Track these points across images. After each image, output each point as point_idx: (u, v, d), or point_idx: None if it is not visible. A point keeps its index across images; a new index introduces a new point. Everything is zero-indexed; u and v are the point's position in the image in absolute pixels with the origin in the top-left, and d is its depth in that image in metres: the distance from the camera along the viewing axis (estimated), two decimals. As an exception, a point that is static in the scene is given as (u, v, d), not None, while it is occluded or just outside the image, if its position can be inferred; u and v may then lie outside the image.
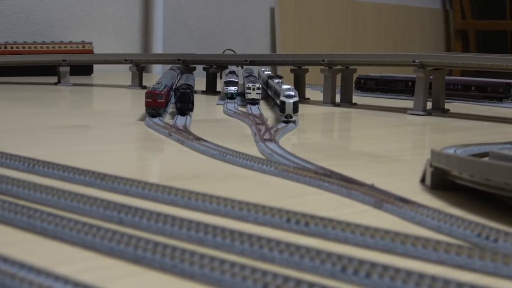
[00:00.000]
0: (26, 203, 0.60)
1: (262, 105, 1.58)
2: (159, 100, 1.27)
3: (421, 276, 0.42)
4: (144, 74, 2.19)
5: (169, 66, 2.12)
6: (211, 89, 2.06)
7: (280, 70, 3.20)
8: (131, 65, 2.15)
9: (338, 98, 1.81)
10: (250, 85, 1.52)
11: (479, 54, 1.92)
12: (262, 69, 2.05)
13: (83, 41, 2.69)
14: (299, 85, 1.89)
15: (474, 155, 0.86)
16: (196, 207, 0.63)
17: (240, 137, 1.21)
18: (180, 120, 1.24)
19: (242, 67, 2.10)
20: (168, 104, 1.44)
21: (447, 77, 1.75)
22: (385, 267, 0.44)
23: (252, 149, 0.98)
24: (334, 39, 3.87)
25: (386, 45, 4.15)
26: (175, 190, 0.65)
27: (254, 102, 1.50)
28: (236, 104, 1.56)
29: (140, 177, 0.70)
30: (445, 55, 2.03)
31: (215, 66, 2.07)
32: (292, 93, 1.28)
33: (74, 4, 2.93)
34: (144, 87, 2.08)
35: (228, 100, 1.61)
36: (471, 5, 4.49)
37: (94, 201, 0.60)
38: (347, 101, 1.81)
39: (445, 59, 1.64)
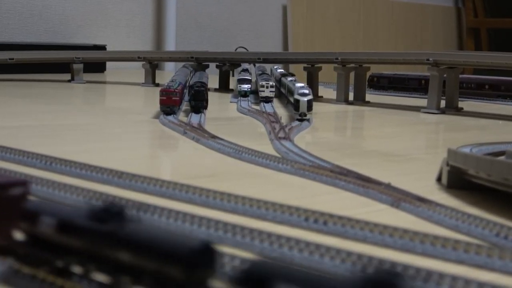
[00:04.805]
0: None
1: (275, 103, 1.58)
2: (173, 98, 1.27)
3: (441, 275, 0.42)
4: (156, 72, 2.19)
5: (182, 63, 2.12)
6: (224, 87, 2.07)
7: (293, 68, 3.20)
8: (144, 62, 2.16)
9: (351, 96, 1.81)
10: (264, 83, 1.52)
11: (493, 53, 1.92)
12: (275, 67, 2.05)
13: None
14: (312, 83, 1.89)
15: (489, 154, 0.86)
16: (214, 205, 0.63)
17: (254, 135, 1.21)
18: (194, 118, 1.24)
19: (255, 65, 2.10)
20: (182, 102, 1.44)
21: (460, 76, 1.74)
22: (406, 267, 0.44)
23: (267, 147, 0.98)
24: (346, 37, 3.87)
25: (398, 42, 4.14)
26: (192, 188, 0.65)
27: (267, 100, 1.50)
28: (249, 102, 1.56)
29: (156, 175, 0.70)
30: (459, 53, 2.03)
31: (228, 64, 2.08)
32: (306, 91, 1.28)
33: (87, 2, 2.94)
34: (157, 85, 2.09)
35: (242, 98, 1.61)
36: (483, 3, 4.47)
37: (113, 199, 0.60)
38: (360, 99, 1.81)
39: (459, 58, 1.64)
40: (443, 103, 1.65)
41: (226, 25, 3.45)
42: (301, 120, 1.25)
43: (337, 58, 1.78)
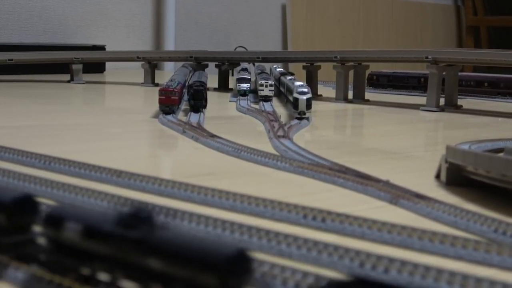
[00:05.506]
0: (43, 200, 0.60)
1: (275, 102, 1.58)
2: (172, 97, 1.27)
3: (440, 271, 0.42)
4: (156, 72, 2.19)
5: (181, 63, 2.12)
6: (223, 86, 2.07)
7: (292, 67, 3.20)
8: (144, 62, 2.16)
9: (350, 95, 1.81)
10: (263, 82, 1.52)
11: (492, 50, 1.92)
12: (274, 66, 2.05)
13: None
14: (311, 82, 1.89)
15: (488, 151, 0.86)
16: (213, 204, 0.63)
17: (253, 134, 1.21)
18: (193, 117, 1.24)
19: (254, 64, 2.10)
20: (181, 101, 1.44)
21: (459, 73, 1.74)
22: (403, 263, 0.44)
23: (266, 146, 0.98)
24: (346, 37, 3.87)
25: (398, 41, 4.14)
26: (191, 187, 0.65)
27: (266, 99, 1.50)
28: (248, 101, 1.56)
29: (155, 174, 0.70)
30: (458, 51, 2.03)
31: (228, 63, 2.08)
32: (305, 89, 1.28)
33: (86, 2, 2.94)
34: (157, 85, 2.09)
35: (241, 97, 1.61)
36: (482, 1, 4.47)
37: (112, 198, 0.61)
38: (359, 98, 1.81)
39: (458, 55, 1.64)
40: (442, 101, 1.65)
41: (226, 25, 3.45)
42: (300, 119, 1.25)
43: (336, 57, 1.78)
